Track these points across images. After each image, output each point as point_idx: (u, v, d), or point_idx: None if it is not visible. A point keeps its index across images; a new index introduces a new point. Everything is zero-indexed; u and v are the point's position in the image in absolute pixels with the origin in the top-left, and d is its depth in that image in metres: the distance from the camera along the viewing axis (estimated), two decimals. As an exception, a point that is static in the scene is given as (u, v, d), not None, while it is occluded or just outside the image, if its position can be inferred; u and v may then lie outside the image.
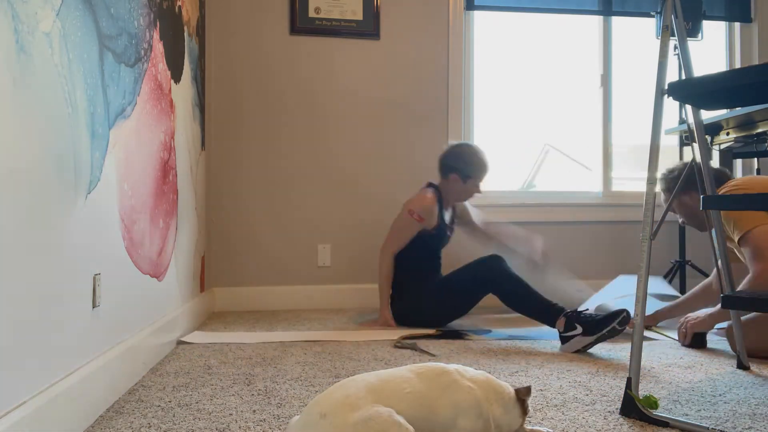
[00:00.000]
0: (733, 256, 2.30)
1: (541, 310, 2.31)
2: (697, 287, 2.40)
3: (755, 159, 3.42)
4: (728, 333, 2.14)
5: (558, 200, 3.53)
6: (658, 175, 2.47)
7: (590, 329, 2.08)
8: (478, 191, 2.74)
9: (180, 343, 2.25)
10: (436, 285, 2.64)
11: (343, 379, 1.42)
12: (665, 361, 1.99)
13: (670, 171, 2.47)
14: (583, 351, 2.12)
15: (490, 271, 2.46)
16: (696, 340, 2.20)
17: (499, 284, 2.43)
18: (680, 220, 2.51)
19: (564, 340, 2.17)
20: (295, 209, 3.28)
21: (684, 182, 2.32)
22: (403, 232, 2.66)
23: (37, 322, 1.15)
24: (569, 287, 2.61)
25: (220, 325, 2.66)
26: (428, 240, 2.70)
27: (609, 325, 2.06)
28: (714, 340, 2.30)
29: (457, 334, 2.43)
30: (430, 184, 2.78)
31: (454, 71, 3.40)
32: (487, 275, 2.46)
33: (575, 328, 2.12)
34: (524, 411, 1.20)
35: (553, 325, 2.25)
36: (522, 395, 1.20)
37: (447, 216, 2.79)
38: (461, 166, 2.67)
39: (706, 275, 3.40)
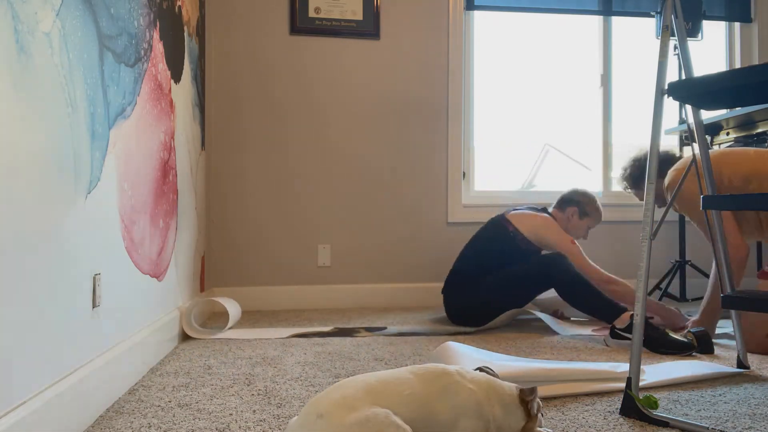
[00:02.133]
0: (747, 227, 2.28)
1: (602, 306, 2.36)
2: (711, 286, 2.37)
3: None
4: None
5: (558, 200, 3.53)
6: (618, 174, 2.74)
7: (652, 344, 2.11)
8: (585, 235, 2.88)
9: (183, 340, 2.25)
10: (494, 280, 2.65)
11: (343, 379, 1.42)
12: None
13: (634, 160, 2.66)
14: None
15: (552, 266, 2.50)
16: (703, 345, 2.15)
17: (559, 279, 2.48)
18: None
19: (616, 335, 2.27)
20: (295, 209, 3.28)
21: (641, 173, 2.61)
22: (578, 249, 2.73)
23: (37, 322, 1.15)
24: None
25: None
26: (524, 251, 2.72)
27: (669, 350, 2.08)
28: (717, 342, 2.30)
29: (349, 332, 2.48)
30: (544, 209, 2.87)
31: (454, 71, 3.40)
32: (550, 270, 2.50)
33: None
34: (528, 412, 1.18)
35: (611, 321, 2.31)
36: (526, 396, 1.18)
37: None
38: (584, 203, 2.84)
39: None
